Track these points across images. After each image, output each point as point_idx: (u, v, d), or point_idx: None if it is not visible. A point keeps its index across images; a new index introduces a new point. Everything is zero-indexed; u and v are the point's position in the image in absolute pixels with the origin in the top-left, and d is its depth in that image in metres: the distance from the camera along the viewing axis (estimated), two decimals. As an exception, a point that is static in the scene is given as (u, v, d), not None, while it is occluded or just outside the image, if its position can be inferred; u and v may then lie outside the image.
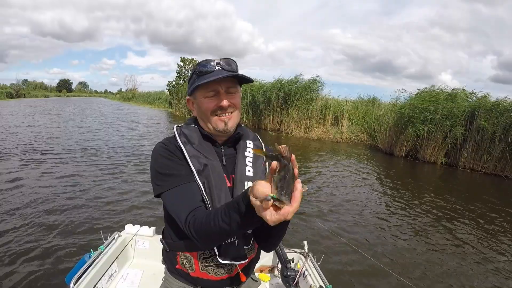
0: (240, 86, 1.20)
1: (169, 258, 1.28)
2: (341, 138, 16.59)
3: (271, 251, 1.27)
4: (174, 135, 1.16)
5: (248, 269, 1.30)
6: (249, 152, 1.21)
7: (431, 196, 7.55)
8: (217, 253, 1.13)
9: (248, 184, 1.13)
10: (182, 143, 1.12)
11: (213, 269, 1.19)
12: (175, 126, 1.23)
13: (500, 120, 10.77)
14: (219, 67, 1.10)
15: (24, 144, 10.06)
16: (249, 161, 1.19)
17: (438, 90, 13.21)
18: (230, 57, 1.14)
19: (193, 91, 1.14)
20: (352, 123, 17.53)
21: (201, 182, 1.07)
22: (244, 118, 18.91)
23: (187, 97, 1.23)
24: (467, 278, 3.89)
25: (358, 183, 8.33)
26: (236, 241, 1.12)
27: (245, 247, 1.18)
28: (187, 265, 1.21)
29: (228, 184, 1.14)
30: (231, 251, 1.12)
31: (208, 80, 1.05)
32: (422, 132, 12.12)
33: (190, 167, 1.08)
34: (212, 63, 1.10)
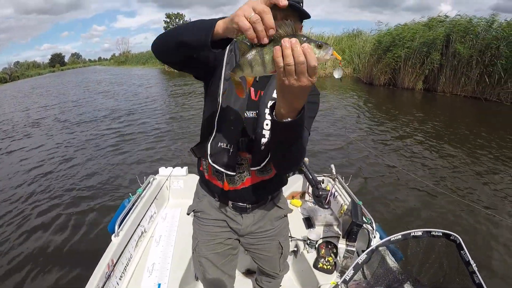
0: (301, 22, 1.02)
1: (197, 165, 1.33)
2: (325, 73, 16.27)
3: (287, 170, 1.19)
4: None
5: (262, 190, 1.25)
6: None
7: (418, 118, 7.68)
8: (208, 152, 1.13)
9: (270, 103, 1.00)
10: (228, 50, 1.10)
11: (220, 176, 1.18)
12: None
13: (475, 43, 10.13)
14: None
15: (33, 122, 10.02)
16: None
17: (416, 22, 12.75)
18: None
19: None
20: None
21: (222, 88, 1.08)
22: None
23: None
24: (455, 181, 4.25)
25: (341, 112, 8.51)
26: (230, 149, 1.11)
27: (253, 168, 1.16)
28: (205, 167, 1.24)
29: (254, 98, 1.11)
30: (221, 155, 1.12)
31: None
32: (399, 55, 11.73)
33: (221, 70, 1.09)
34: None
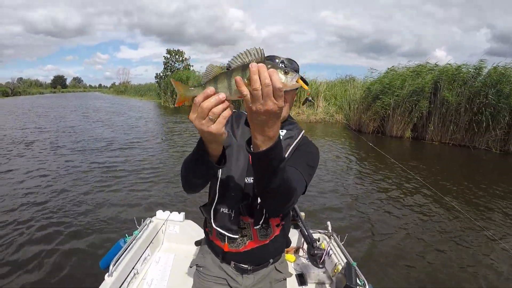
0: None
1: (203, 224, 1.41)
2: (315, 118, 16.46)
3: (275, 211, 1.18)
4: None
5: (263, 254, 1.30)
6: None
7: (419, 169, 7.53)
8: (212, 217, 1.22)
9: None
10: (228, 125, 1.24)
11: (224, 238, 1.24)
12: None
13: (464, 90, 10.11)
14: (283, 65, 1.14)
15: (29, 143, 9.71)
16: None
17: (404, 68, 12.68)
18: (292, 59, 1.19)
19: None
20: (328, 104, 17.33)
21: None
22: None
23: None
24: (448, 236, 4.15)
25: (333, 163, 8.48)
26: (232, 214, 1.19)
27: (255, 227, 1.20)
28: (209, 229, 1.32)
29: None
30: (224, 219, 1.20)
31: None
32: (388, 103, 11.60)
33: None
34: (276, 60, 1.16)
